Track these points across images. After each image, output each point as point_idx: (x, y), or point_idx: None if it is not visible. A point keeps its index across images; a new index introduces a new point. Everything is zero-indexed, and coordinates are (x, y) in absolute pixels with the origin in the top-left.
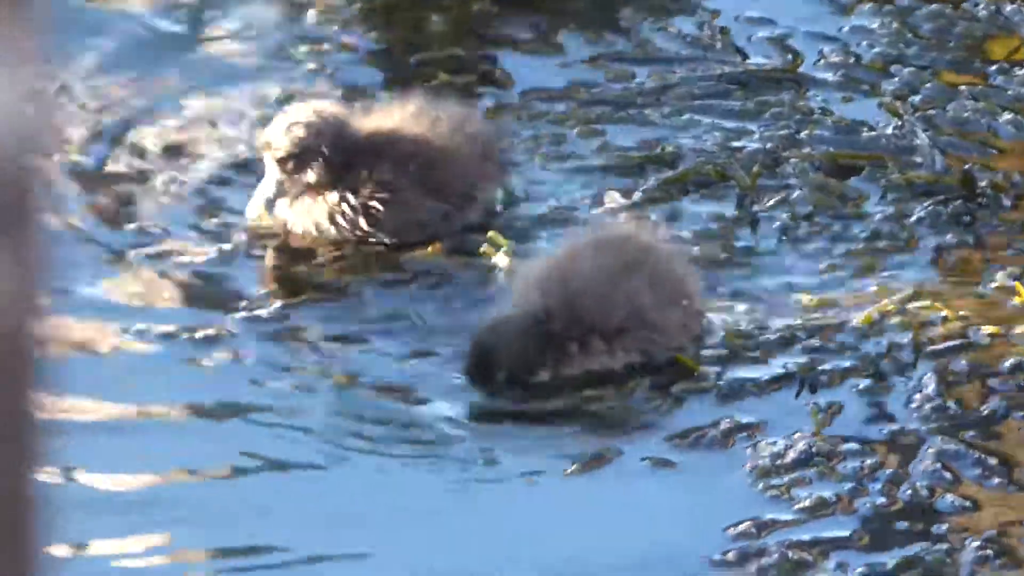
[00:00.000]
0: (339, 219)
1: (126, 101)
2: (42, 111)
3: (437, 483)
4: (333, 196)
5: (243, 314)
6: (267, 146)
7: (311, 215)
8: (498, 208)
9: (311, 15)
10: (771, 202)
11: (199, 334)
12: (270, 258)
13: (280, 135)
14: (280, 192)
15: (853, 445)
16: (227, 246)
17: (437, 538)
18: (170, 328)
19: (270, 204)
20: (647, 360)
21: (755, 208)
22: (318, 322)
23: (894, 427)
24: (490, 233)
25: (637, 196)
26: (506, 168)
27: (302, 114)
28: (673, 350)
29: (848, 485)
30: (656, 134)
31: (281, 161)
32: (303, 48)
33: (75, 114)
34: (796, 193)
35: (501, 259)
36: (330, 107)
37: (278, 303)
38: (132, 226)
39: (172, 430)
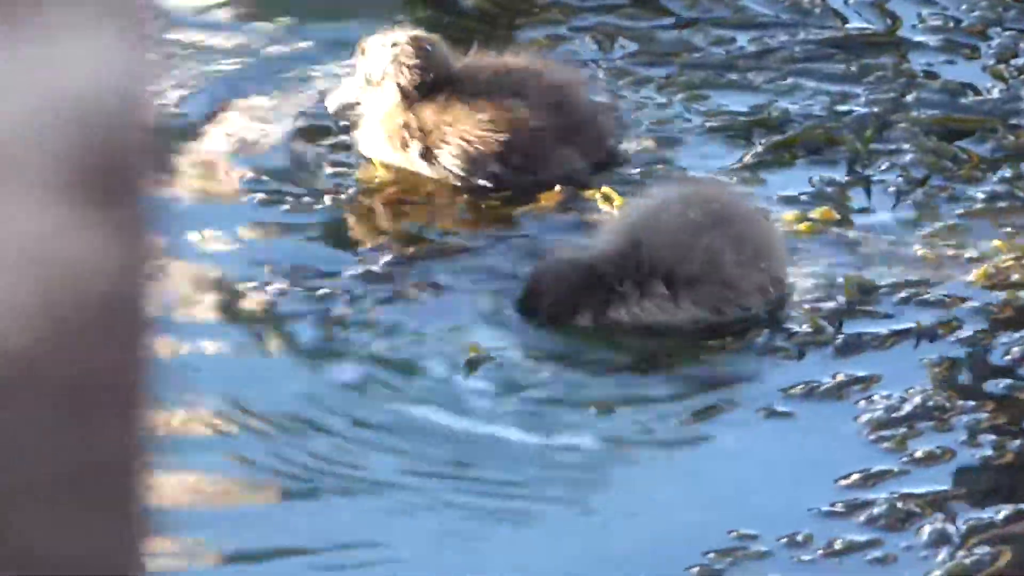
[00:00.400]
0: (399, 145)
1: (228, 52)
2: (151, 70)
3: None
4: (399, 120)
5: (351, 271)
6: (361, 52)
7: (378, 137)
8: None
9: None
10: (883, 166)
11: (310, 291)
12: (379, 208)
13: (375, 48)
14: (358, 100)
15: (968, 400)
16: (337, 197)
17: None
18: (283, 285)
19: (346, 107)
20: (719, 317)
21: (867, 172)
22: (425, 281)
23: (1009, 381)
24: (603, 188)
25: (748, 159)
26: (601, 140)
27: (401, 36)
28: (747, 311)
29: (961, 438)
30: (760, 98)
31: (369, 72)
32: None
33: (177, 66)
34: (909, 157)
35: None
36: (430, 36)
37: (387, 258)
38: (243, 176)
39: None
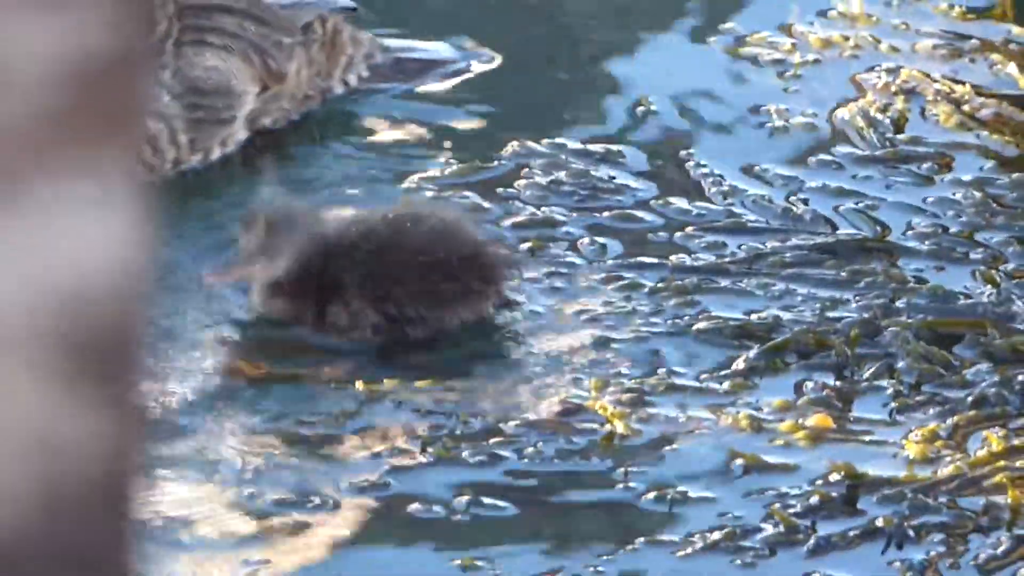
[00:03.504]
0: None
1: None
2: (147, 248)
3: None
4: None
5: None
6: (242, 242)
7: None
8: None
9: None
10: (873, 370)
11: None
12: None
13: (252, 233)
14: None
15: None
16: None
17: None
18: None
19: (262, 297)
20: None
21: (858, 376)
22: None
23: None
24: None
25: (739, 365)
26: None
27: (273, 213)
28: None
29: None
30: (751, 303)
31: (253, 259)
32: None
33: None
34: (901, 363)
35: None
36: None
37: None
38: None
39: None
